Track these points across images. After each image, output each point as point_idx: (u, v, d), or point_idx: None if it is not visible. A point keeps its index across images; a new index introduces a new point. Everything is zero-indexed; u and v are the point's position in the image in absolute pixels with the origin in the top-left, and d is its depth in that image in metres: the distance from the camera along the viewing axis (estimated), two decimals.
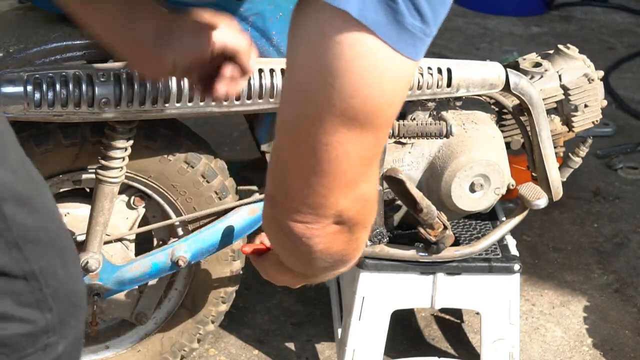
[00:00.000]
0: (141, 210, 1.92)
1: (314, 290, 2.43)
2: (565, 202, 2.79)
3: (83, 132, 1.79)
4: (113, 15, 1.38)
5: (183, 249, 1.88)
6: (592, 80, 2.01)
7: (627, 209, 2.87)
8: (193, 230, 1.90)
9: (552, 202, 1.98)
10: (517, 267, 1.98)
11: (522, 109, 1.94)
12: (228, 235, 1.88)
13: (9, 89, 1.64)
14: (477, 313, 2.08)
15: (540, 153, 1.95)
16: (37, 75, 1.65)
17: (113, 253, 1.90)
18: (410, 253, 1.93)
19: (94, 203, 1.80)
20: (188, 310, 2.03)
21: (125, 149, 1.78)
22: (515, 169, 2.08)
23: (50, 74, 1.65)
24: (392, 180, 1.80)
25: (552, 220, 2.78)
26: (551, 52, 2.07)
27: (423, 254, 1.92)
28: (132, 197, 1.90)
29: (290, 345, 2.27)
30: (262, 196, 1.89)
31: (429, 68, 1.86)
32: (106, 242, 1.87)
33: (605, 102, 2.05)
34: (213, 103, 1.74)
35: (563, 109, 2.02)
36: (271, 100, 1.76)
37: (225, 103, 1.75)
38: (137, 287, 1.95)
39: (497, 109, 2.01)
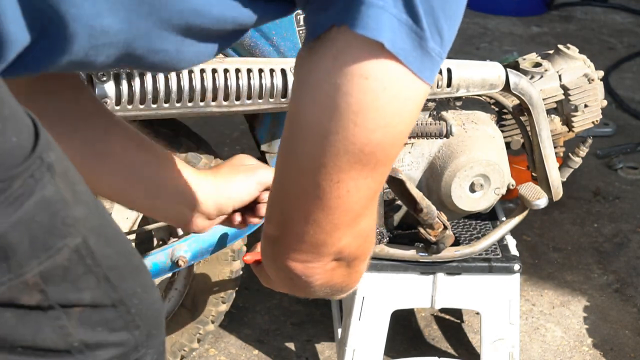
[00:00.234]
0: None
1: None
2: (565, 202, 2.79)
3: None
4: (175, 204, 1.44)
5: (183, 249, 1.88)
6: (592, 80, 2.01)
7: (627, 209, 2.87)
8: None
9: (552, 202, 1.98)
10: (517, 267, 1.98)
11: (522, 109, 1.94)
12: (228, 236, 1.88)
13: None
14: (477, 313, 2.08)
15: (540, 153, 1.95)
16: None
17: None
18: (410, 253, 1.93)
19: None
20: (188, 310, 2.03)
21: None
22: (515, 169, 2.08)
23: None
24: (392, 180, 1.80)
25: (552, 220, 2.78)
26: (551, 52, 2.07)
27: (423, 254, 1.92)
28: None
29: (290, 345, 2.27)
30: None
31: None
32: None
33: (605, 102, 2.05)
34: (213, 103, 1.74)
35: (563, 109, 2.02)
36: (271, 100, 1.76)
37: (225, 103, 1.75)
38: None
39: (497, 109, 2.01)
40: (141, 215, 1.93)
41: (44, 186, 0.96)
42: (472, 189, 1.93)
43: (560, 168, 2.01)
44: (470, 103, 1.97)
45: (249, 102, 1.76)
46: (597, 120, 2.05)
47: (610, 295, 2.51)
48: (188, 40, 1.08)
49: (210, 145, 1.93)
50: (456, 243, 1.95)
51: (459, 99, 1.94)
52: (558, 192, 1.99)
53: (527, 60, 2.05)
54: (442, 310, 2.37)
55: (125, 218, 1.91)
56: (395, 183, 1.80)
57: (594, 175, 3.02)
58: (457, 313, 2.39)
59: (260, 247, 1.21)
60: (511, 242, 2.04)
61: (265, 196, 1.49)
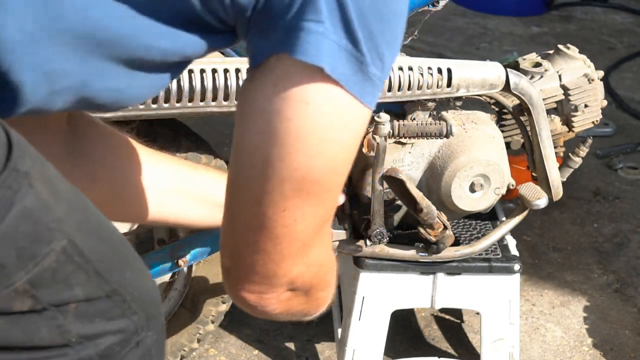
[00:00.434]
0: None
1: None
2: (565, 202, 2.79)
3: None
4: None
5: (183, 249, 1.88)
6: (592, 80, 2.01)
7: (627, 209, 2.87)
8: (193, 231, 1.90)
9: (552, 202, 1.98)
10: (517, 267, 1.98)
11: (522, 109, 1.94)
12: None
13: None
14: (477, 313, 2.08)
15: (540, 153, 1.95)
16: None
17: None
18: (410, 253, 1.93)
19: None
20: (188, 310, 2.03)
21: None
22: (515, 169, 2.08)
23: None
24: (392, 180, 1.80)
25: (552, 220, 2.78)
26: (551, 52, 2.07)
27: (423, 254, 1.92)
28: None
29: (290, 345, 2.27)
30: None
31: (429, 68, 1.86)
32: None
33: (605, 102, 2.05)
34: (213, 103, 1.74)
35: (563, 109, 2.02)
36: None
37: (225, 103, 1.75)
38: None
39: (497, 109, 2.01)
40: None
41: (23, 196, 0.96)
42: (472, 189, 1.93)
43: (560, 168, 2.01)
44: (470, 103, 1.97)
45: None
46: (597, 120, 2.05)
47: (610, 295, 2.51)
48: (139, 74, 1.08)
49: (210, 145, 1.93)
50: (456, 243, 1.95)
51: (459, 99, 1.94)
52: (558, 192, 1.99)
53: (527, 60, 2.05)
54: (442, 310, 2.37)
55: None
56: (395, 183, 1.80)
57: (594, 175, 3.02)
58: (457, 313, 2.39)
59: (223, 279, 1.21)
60: (511, 242, 2.04)
61: None
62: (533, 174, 2.02)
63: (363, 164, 1.86)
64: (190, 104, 1.72)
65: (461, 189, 1.91)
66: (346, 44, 1.01)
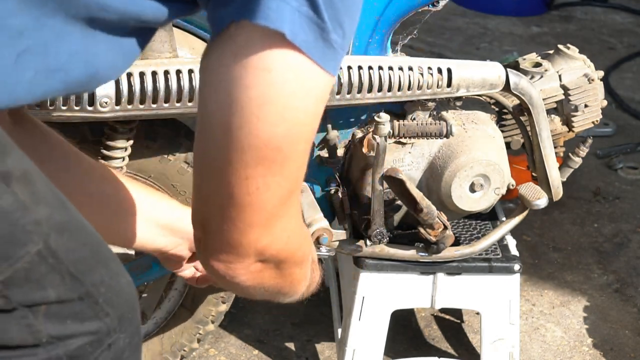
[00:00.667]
0: None
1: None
2: (565, 202, 2.79)
3: (83, 132, 1.79)
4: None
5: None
6: (592, 80, 2.01)
7: (627, 209, 2.87)
8: None
9: (552, 202, 1.98)
10: (517, 267, 1.98)
11: (522, 109, 1.94)
12: None
13: None
14: (477, 313, 2.08)
15: (540, 153, 1.95)
16: None
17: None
18: (410, 253, 1.93)
19: None
20: (188, 310, 2.03)
21: (125, 148, 1.79)
22: (515, 169, 2.08)
23: None
24: (392, 180, 1.80)
25: (552, 220, 2.78)
26: (551, 52, 2.07)
27: (423, 254, 1.92)
28: None
29: (290, 345, 2.27)
30: None
31: (429, 68, 1.86)
32: None
33: (605, 102, 2.05)
34: None
35: (563, 109, 2.02)
36: None
37: None
38: (137, 287, 1.95)
39: (497, 109, 2.01)
40: None
41: None
42: (472, 189, 1.93)
43: (560, 168, 2.01)
44: (470, 103, 1.97)
45: None
46: (597, 120, 2.05)
47: (610, 295, 2.51)
48: (100, 36, 1.07)
49: None
50: (456, 243, 1.95)
51: (459, 99, 1.94)
52: (558, 192, 1.99)
53: (527, 60, 2.05)
54: (442, 310, 2.37)
55: None
56: (395, 183, 1.80)
57: (594, 175, 3.02)
58: (457, 313, 2.39)
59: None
60: (511, 242, 2.04)
61: None
62: (533, 174, 2.02)
63: (363, 164, 1.86)
64: (190, 104, 1.72)
65: (461, 189, 1.91)
66: (307, 10, 1.01)
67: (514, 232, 2.02)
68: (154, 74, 1.70)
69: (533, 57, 2.06)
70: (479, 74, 1.88)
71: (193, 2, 1.10)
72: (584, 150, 2.03)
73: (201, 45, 1.83)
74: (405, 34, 1.96)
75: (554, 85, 2.00)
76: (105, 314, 1.07)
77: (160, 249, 1.54)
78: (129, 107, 1.69)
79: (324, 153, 1.94)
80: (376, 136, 1.77)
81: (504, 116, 2.01)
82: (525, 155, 2.03)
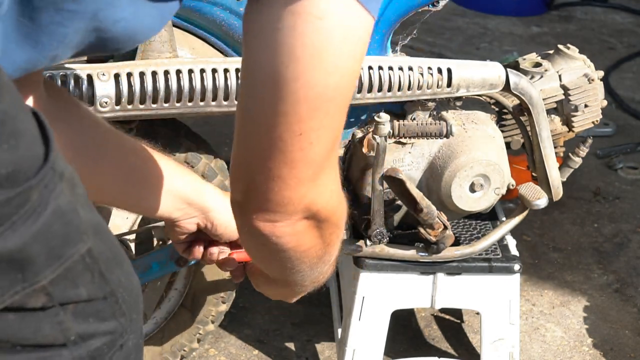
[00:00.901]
0: None
1: (314, 290, 2.42)
2: (565, 202, 2.79)
3: None
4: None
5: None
6: (592, 80, 2.01)
7: (627, 209, 2.87)
8: None
9: (552, 202, 1.98)
10: (517, 267, 1.98)
11: (522, 109, 1.94)
12: None
13: None
14: (477, 313, 2.08)
15: (540, 153, 1.95)
16: None
17: None
18: (410, 253, 1.93)
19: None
20: (188, 310, 2.03)
21: None
22: (515, 169, 2.08)
23: (51, 74, 1.65)
24: (392, 180, 1.80)
25: (552, 220, 2.78)
26: (551, 52, 2.07)
27: (423, 254, 1.92)
28: None
29: (290, 345, 2.27)
30: None
31: (429, 68, 1.86)
32: None
33: (605, 102, 2.05)
34: (213, 103, 1.74)
35: (563, 109, 2.02)
36: None
37: (225, 103, 1.75)
38: None
39: (497, 109, 2.01)
40: (141, 215, 1.93)
41: (57, 196, 0.97)
42: (472, 189, 1.93)
43: (560, 168, 2.01)
44: (470, 103, 1.97)
45: None
46: (597, 120, 2.05)
47: (610, 295, 2.51)
48: (141, 2, 1.08)
49: (210, 145, 1.93)
50: (456, 243, 1.95)
51: (459, 99, 1.94)
52: (558, 192, 1.99)
53: (527, 60, 2.05)
54: (442, 310, 2.37)
55: (125, 218, 1.91)
56: (395, 183, 1.80)
57: (594, 175, 3.02)
58: (457, 313, 2.39)
59: (234, 217, 1.19)
60: (511, 242, 2.04)
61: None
62: (533, 174, 2.02)
63: (363, 164, 1.86)
64: (190, 104, 1.72)
65: (461, 189, 1.91)
66: None
67: (514, 232, 2.02)
68: (154, 74, 1.70)
69: (533, 57, 2.06)
70: (479, 74, 1.88)
71: None
72: (584, 150, 2.03)
73: (201, 45, 1.83)
74: (405, 34, 1.96)
75: (554, 85, 2.00)
76: (121, 313, 1.08)
77: (172, 219, 1.54)
78: (129, 107, 1.69)
79: None
80: (376, 136, 1.77)
81: (504, 116, 2.01)
82: (525, 155, 2.03)
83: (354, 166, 1.91)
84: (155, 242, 2.00)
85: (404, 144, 1.91)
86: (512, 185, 1.97)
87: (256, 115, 1.07)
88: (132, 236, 1.94)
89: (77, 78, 1.66)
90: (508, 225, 1.98)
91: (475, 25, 4.10)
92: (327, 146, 1.09)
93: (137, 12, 1.08)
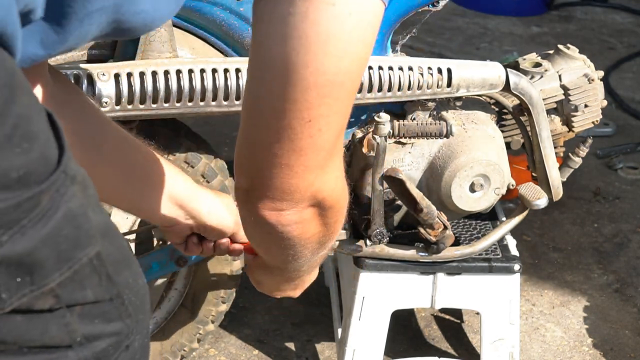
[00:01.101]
0: None
1: (314, 290, 2.42)
2: (565, 202, 2.79)
3: None
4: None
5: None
6: (592, 80, 2.01)
7: (627, 209, 2.87)
8: None
9: (552, 202, 1.98)
10: (517, 267, 1.98)
11: (522, 109, 1.94)
12: None
13: None
14: (477, 313, 2.08)
15: (540, 153, 1.96)
16: None
17: None
18: (410, 253, 1.93)
19: None
20: (188, 310, 2.03)
21: None
22: (515, 169, 2.08)
23: None
24: (392, 180, 1.80)
25: (552, 220, 2.78)
26: (551, 52, 2.07)
27: (423, 254, 1.92)
28: None
29: (290, 345, 2.27)
30: None
31: (429, 68, 1.86)
32: None
33: (605, 102, 2.05)
34: (213, 103, 1.74)
35: (563, 109, 2.02)
36: None
37: (225, 103, 1.75)
38: None
39: (497, 109, 2.01)
40: None
41: (68, 199, 0.97)
42: (472, 189, 1.93)
43: (560, 168, 2.01)
44: (470, 103, 1.97)
45: None
46: (597, 120, 2.05)
47: (610, 295, 2.51)
48: None
49: (210, 145, 1.93)
50: (456, 243, 1.95)
51: (459, 99, 1.94)
52: (558, 192, 1.99)
53: (527, 60, 2.05)
54: (442, 310, 2.37)
55: (125, 218, 1.91)
56: (395, 183, 1.80)
57: (594, 175, 3.02)
58: (457, 313, 2.39)
59: (237, 207, 1.19)
60: (511, 242, 2.04)
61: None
62: (533, 174, 2.02)
63: (363, 164, 1.86)
64: (190, 104, 1.72)
65: (461, 189, 1.91)
66: None
67: (514, 232, 2.02)
68: (154, 74, 1.70)
69: (533, 57, 2.06)
70: (479, 74, 1.88)
71: None
72: (584, 150, 2.03)
73: (201, 46, 1.83)
74: (405, 34, 1.96)
75: (554, 85, 2.01)
76: (127, 314, 1.08)
77: (166, 223, 1.54)
78: (129, 107, 1.69)
79: None
80: (376, 136, 1.77)
81: (504, 116, 2.01)
82: (525, 155, 2.03)
83: (354, 166, 1.91)
84: (155, 242, 2.00)
85: (404, 144, 1.91)
86: (512, 185, 1.97)
87: (265, 103, 1.07)
88: (132, 236, 1.94)
89: (77, 78, 1.66)
90: (508, 225, 1.98)
91: (475, 25, 4.10)
92: (335, 133, 1.08)
93: (156, 2, 1.09)
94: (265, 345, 2.27)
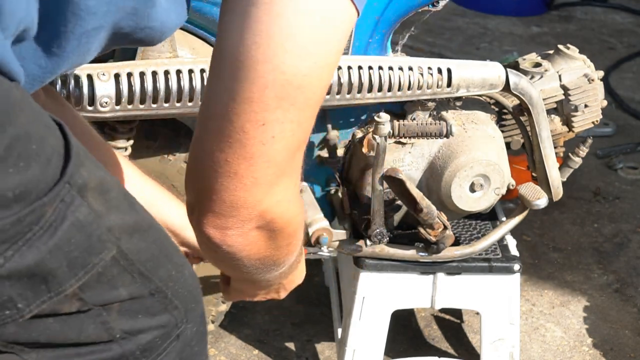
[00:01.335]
0: None
1: (314, 290, 2.43)
2: (565, 202, 2.79)
3: None
4: None
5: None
6: (592, 80, 2.01)
7: (627, 209, 2.87)
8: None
9: (552, 202, 1.98)
10: (517, 267, 1.98)
11: (522, 109, 1.94)
12: None
13: None
14: (477, 313, 2.08)
15: (540, 153, 1.95)
16: None
17: None
18: (410, 253, 1.93)
19: None
20: None
21: (126, 148, 1.78)
22: (515, 169, 2.08)
23: None
24: (392, 180, 1.80)
25: (552, 220, 2.78)
26: (551, 52, 2.07)
27: (423, 254, 1.92)
28: None
29: (290, 345, 2.27)
30: None
31: (429, 68, 1.86)
32: None
33: (605, 102, 2.05)
34: None
35: (563, 109, 2.02)
36: None
37: None
38: None
39: (497, 109, 2.01)
40: None
41: (75, 209, 0.97)
42: (472, 189, 1.93)
43: (560, 168, 2.01)
44: (470, 103, 1.97)
45: None
46: (597, 120, 2.05)
47: (610, 295, 2.51)
48: (171, 7, 1.07)
49: None
50: (456, 243, 1.95)
51: (459, 99, 1.94)
52: (558, 192, 1.99)
53: (527, 60, 2.05)
54: (442, 310, 2.37)
55: None
56: (395, 183, 1.80)
57: (594, 175, 3.02)
58: (457, 313, 2.39)
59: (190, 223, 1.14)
60: (511, 242, 2.04)
61: None
62: (533, 174, 2.02)
63: (363, 164, 1.86)
64: (190, 104, 1.72)
65: (461, 189, 1.91)
66: None
67: (514, 232, 2.02)
68: (154, 74, 1.70)
69: (533, 57, 2.06)
70: (479, 74, 1.88)
71: None
72: (584, 150, 2.03)
73: (201, 45, 1.83)
74: (405, 34, 1.96)
75: (554, 85, 2.00)
76: (174, 307, 1.08)
77: None
78: (129, 107, 1.69)
79: (324, 153, 1.94)
80: (376, 136, 1.77)
81: (504, 116, 2.01)
82: (525, 155, 2.03)
83: (354, 166, 1.91)
84: None
85: (404, 144, 1.91)
86: (512, 185, 1.97)
87: (220, 99, 1.03)
88: None
89: (77, 78, 1.66)
90: (508, 225, 1.98)
91: (475, 25, 4.10)
92: (290, 146, 1.04)
93: (166, 17, 1.07)
94: (265, 345, 2.27)
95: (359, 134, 1.92)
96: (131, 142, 1.79)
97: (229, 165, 1.04)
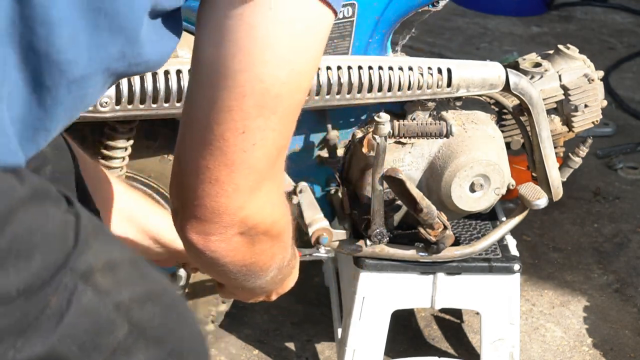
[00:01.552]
0: None
1: (313, 290, 2.43)
2: (565, 202, 2.79)
3: (83, 131, 1.79)
4: None
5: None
6: (592, 80, 2.01)
7: (627, 209, 2.87)
8: None
9: (552, 202, 1.98)
10: (517, 267, 1.98)
11: (522, 109, 1.94)
12: None
13: None
14: (477, 313, 2.08)
15: (540, 153, 1.95)
16: None
17: None
18: (410, 253, 1.93)
19: None
20: None
21: (126, 148, 1.79)
22: (515, 169, 2.08)
23: None
24: (392, 180, 1.80)
25: (552, 220, 2.78)
26: (551, 52, 2.07)
27: (423, 254, 1.92)
28: None
29: (290, 345, 2.27)
30: None
31: (429, 68, 1.86)
32: None
33: (605, 102, 2.05)
34: None
35: (563, 109, 2.02)
36: None
37: None
38: None
39: (497, 109, 2.01)
40: None
41: (79, 295, 0.96)
42: (472, 189, 1.93)
43: (560, 168, 2.01)
44: (470, 103, 1.97)
45: None
46: (597, 120, 2.05)
47: (610, 295, 2.51)
48: (163, 34, 1.05)
49: None
50: (456, 243, 1.95)
51: (459, 99, 1.94)
52: (558, 192, 1.99)
53: (527, 60, 2.05)
54: (442, 310, 2.37)
55: None
56: (395, 183, 1.80)
57: (594, 175, 3.02)
58: (457, 313, 2.39)
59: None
60: (511, 242, 2.04)
61: None
62: (533, 174, 2.02)
63: (363, 164, 1.86)
64: None
65: (461, 189, 1.91)
66: None
67: (514, 232, 2.02)
68: (154, 74, 1.70)
69: (533, 57, 2.06)
70: (479, 74, 1.88)
71: None
72: (584, 150, 2.03)
73: None
74: (405, 34, 1.96)
75: (554, 85, 2.00)
76: None
77: (153, 258, 1.54)
78: (129, 107, 1.69)
79: (324, 153, 1.94)
80: (376, 136, 1.77)
81: (504, 116, 2.01)
82: (525, 155, 2.03)
83: (354, 166, 1.91)
84: None
85: (404, 144, 1.91)
86: (512, 185, 1.97)
87: (200, 109, 1.03)
88: None
89: None
90: (508, 225, 1.98)
91: (475, 25, 4.10)
92: (270, 153, 1.04)
93: (161, 49, 1.05)
94: (265, 345, 2.27)
95: (359, 134, 1.92)
96: (131, 142, 1.79)
97: (210, 172, 1.04)
